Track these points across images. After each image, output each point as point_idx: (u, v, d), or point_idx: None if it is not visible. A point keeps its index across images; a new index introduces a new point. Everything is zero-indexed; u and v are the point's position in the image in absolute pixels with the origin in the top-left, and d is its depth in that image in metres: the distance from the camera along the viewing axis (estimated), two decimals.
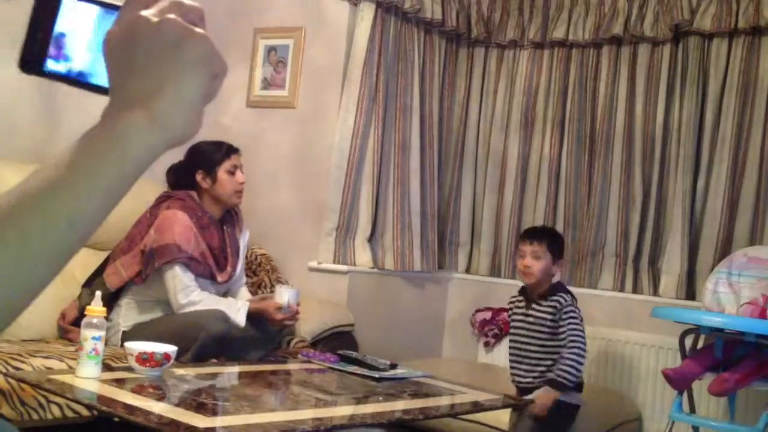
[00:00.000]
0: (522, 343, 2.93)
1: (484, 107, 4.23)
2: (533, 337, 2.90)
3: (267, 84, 3.97)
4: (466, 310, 4.11)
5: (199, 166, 2.91)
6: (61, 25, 0.60)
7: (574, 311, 2.84)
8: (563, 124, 4.00)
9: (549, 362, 2.85)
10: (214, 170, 2.91)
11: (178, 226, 2.80)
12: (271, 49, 3.96)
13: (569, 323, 2.82)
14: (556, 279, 3.03)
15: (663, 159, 3.77)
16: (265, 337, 2.92)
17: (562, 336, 2.82)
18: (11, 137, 3.22)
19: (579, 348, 2.79)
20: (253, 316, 2.85)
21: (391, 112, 3.85)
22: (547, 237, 2.95)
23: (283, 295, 2.89)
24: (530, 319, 2.91)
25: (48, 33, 0.59)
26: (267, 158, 3.87)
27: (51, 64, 0.60)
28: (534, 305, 2.91)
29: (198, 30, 0.55)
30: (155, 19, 0.55)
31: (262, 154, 3.84)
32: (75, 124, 3.40)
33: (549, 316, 2.86)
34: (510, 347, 3.00)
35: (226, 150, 2.95)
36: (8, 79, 3.17)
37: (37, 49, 0.59)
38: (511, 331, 3.01)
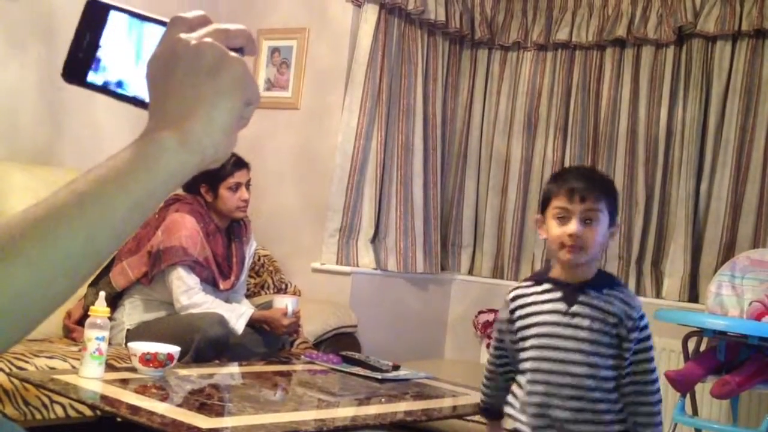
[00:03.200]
0: (556, 363, 1.73)
1: (488, 109, 4.24)
2: (577, 357, 1.72)
3: (270, 85, 3.98)
4: (469, 311, 4.11)
5: (203, 179, 2.89)
6: (107, 37, 0.61)
7: (649, 332, 1.76)
8: (566, 126, 4.00)
9: (605, 405, 1.71)
10: (216, 186, 2.89)
11: (185, 230, 2.81)
12: (274, 50, 3.97)
13: (648, 355, 1.74)
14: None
15: (666, 162, 3.77)
16: (269, 346, 2.92)
17: (633, 372, 1.73)
18: (15, 139, 3.22)
19: (659, 404, 1.75)
20: (256, 327, 2.85)
21: (394, 114, 3.85)
22: (605, 189, 1.80)
23: (285, 303, 2.90)
24: (573, 326, 1.73)
25: (93, 45, 0.60)
26: (270, 159, 3.87)
27: (91, 76, 0.61)
28: (583, 301, 1.74)
29: (234, 55, 0.56)
30: (194, 42, 0.56)
31: (265, 155, 3.85)
32: (79, 126, 3.40)
33: (610, 326, 1.72)
34: (524, 369, 1.77)
35: (232, 166, 2.89)
36: (11, 81, 3.18)
37: (81, 59, 0.60)
38: (529, 342, 1.78)
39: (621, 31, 3.83)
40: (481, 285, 4.13)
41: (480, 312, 4.05)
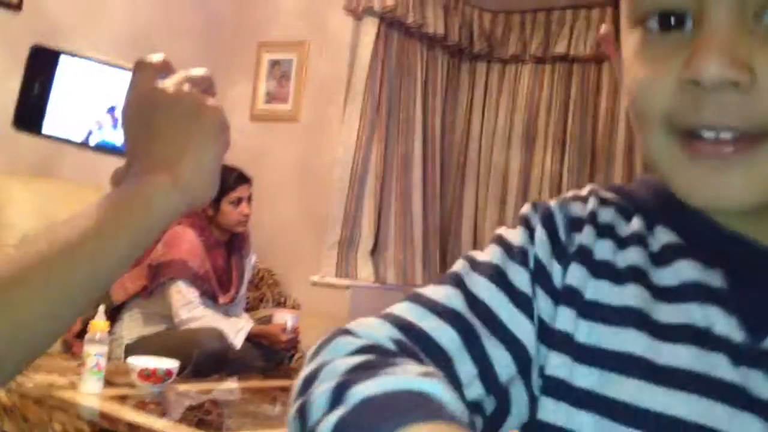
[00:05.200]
0: None
1: (486, 122, 4.25)
2: None
3: (271, 98, 3.99)
4: None
5: None
6: (59, 84, 0.59)
7: None
8: (564, 139, 4.01)
9: None
10: (218, 200, 2.90)
11: (186, 243, 2.82)
12: (274, 63, 3.99)
13: None
14: None
15: None
16: (268, 360, 2.93)
17: None
18: (15, 151, 3.24)
19: None
20: (255, 341, 2.86)
21: (393, 126, 3.87)
22: None
23: (284, 318, 2.91)
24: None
25: (45, 92, 0.59)
26: (270, 172, 3.89)
27: (47, 125, 0.59)
28: None
29: (212, 102, 0.60)
30: (172, 91, 0.59)
31: (265, 167, 3.86)
32: None
33: None
34: None
35: (234, 180, 2.90)
36: (12, 93, 3.20)
37: (32, 107, 0.58)
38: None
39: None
40: None
41: None
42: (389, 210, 3.85)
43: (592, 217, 0.61)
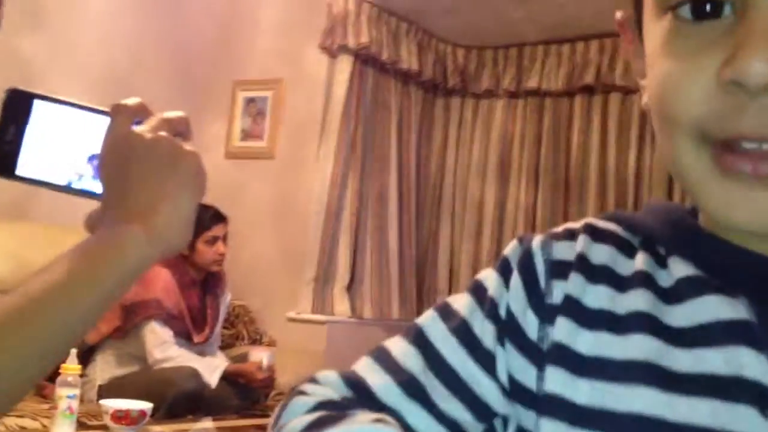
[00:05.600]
0: None
1: (461, 156, 4.29)
2: None
3: (246, 135, 4.00)
4: None
5: None
6: (34, 128, 0.59)
7: None
8: (538, 172, 4.06)
9: None
10: (193, 239, 2.88)
11: (160, 282, 2.80)
12: (250, 101, 4.01)
13: None
14: None
15: (636, 203, 3.83)
16: (244, 398, 2.90)
17: None
18: None
19: None
20: (231, 379, 2.83)
21: (369, 162, 3.89)
22: None
23: (260, 356, 2.89)
24: None
25: (19, 136, 0.59)
26: (246, 209, 3.88)
27: (21, 168, 0.59)
28: None
29: (188, 148, 0.60)
30: (149, 137, 0.58)
31: (241, 204, 3.86)
32: None
33: None
34: None
35: (209, 219, 2.89)
36: None
37: (7, 152, 0.58)
38: None
39: (589, 79, 3.92)
40: None
41: None
42: (365, 245, 3.86)
43: (581, 260, 0.52)
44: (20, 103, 0.59)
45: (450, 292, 4.24)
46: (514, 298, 0.53)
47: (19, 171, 0.59)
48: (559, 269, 0.52)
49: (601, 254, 0.53)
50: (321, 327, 3.65)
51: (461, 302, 0.56)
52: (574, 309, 0.51)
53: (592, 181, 3.91)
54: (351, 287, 3.81)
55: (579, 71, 3.96)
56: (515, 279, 0.54)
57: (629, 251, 0.53)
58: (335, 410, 0.50)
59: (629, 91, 3.86)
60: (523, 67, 4.15)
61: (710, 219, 0.48)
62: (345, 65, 3.77)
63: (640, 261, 0.52)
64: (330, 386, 0.55)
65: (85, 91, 3.44)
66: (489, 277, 0.56)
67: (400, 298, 3.97)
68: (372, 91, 3.90)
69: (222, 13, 4.10)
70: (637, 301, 0.50)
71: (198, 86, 4.03)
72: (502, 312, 0.53)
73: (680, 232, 0.51)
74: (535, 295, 0.52)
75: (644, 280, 0.51)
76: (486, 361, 0.53)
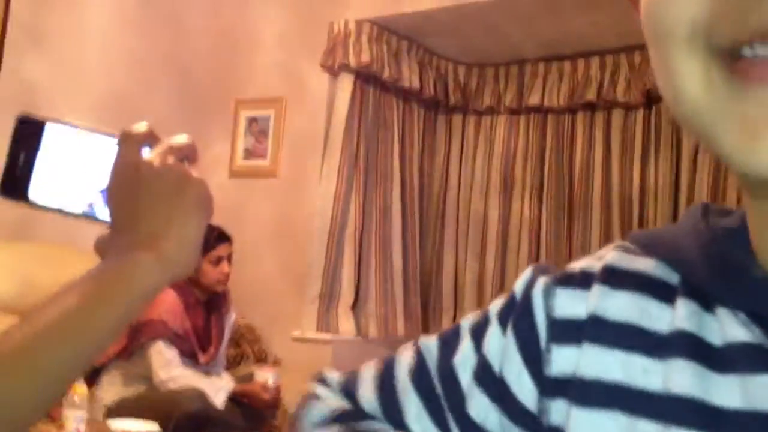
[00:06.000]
0: None
1: (464, 173, 4.30)
2: None
3: (249, 154, 4.02)
4: None
5: None
6: (45, 153, 0.60)
7: None
8: (542, 188, 4.06)
9: None
10: None
11: (166, 303, 2.80)
12: (252, 120, 4.02)
13: None
14: None
15: (641, 219, 3.83)
16: (250, 419, 2.89)
17: None
18: None
19: None
20: (237, 400, 2.83)
21: (372, 179, 3.89)
22: None
23: (266, 376, 2.88)
24: None
25: (31, 161, 0.60)
26: (249, 228, 3.88)
27: (33, 192, 0.60)
28: None
29: (195, 175, 0.61)
30: (157, 165, 0.60)
31: (245, 223, 3.86)
32: None
33: None
34: None
35: (214, 240, 2.89)
36: None
37: (19, 176, 0.60)
38: None
39: (591, 95, 3.93)
40: None
41: None
42: (369, 263, 3.85)
43: (595, 323, 0.40)
44: (31, 129, 0.60)
45: (455, 309, 4.23)
46: (507, 362, 0.44)
47: (32, 196, 0.60)
48: (563, 331, 0.42)
49: (625, 307, 0.40)
50: (326, 346, 3.64)
51: (462, 345, 0.49)
52: (584, 389, 0.39)
53: (596, 198, 3.91)
54: (355, 305, 3.80)
55: (581, 88, 3.97)
56: (510, 338, 0.44)
57: (666, 295, 0.40)
58: (350, 422, 0.51)
59: (631, 107, 3.87)
60: (524, 84, 4.16)
61: (742, 183, 0.35)
62: (346, 84, 3.78)
63: (682, 311, 0.39)
64: (333, 390, 0.57)
65: (89, 112, 3.46)
66: (491, 322, 0.47)
67: (405, 315, 3.96)
68: (374, 109, 3.91)
69: (223, 32, 4.12)
70: (680, 378, 0.37)
71: (200, 105, 4.05)
72: (495, 377, 0.45)
73: (729, 272, 0.38)
74: (532, 360, 0.43)
75: (688, 344, 0.38)
76: (471, 423, 0.46)
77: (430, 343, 0.52)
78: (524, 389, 0.42)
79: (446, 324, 4.20)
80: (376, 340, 3.83)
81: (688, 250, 0.40)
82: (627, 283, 0.41)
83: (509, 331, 0.45)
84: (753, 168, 0.32)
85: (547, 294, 0.43)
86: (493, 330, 0.46)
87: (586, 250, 3.92)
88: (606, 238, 3.85)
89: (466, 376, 0.47)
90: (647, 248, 0.43)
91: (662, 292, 0.40)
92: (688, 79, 0.34)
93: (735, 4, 0.32)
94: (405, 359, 0.54)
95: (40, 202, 0.60)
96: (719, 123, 0.33)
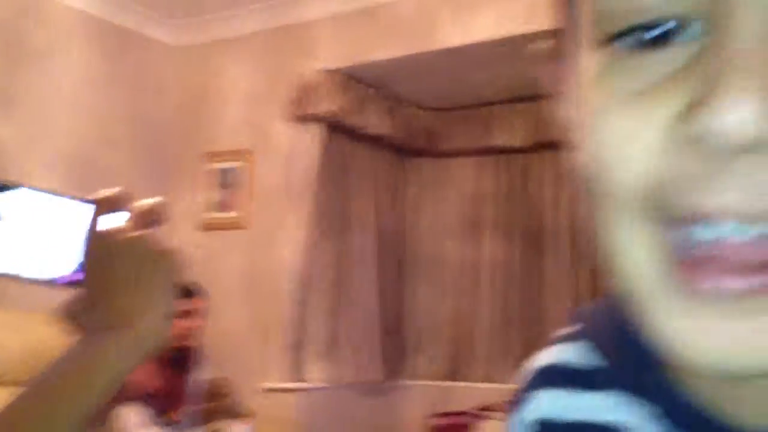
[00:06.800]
0: None
1: (433, 215, 4.32)
2: None
3: (217, 206, 4.00)
4: (426, 415, 4.05)
5: None
6: (7, 218, 0.60)
7: None
8: (511, 227, 4.09)
9: None
10: None
11: None
12: (220, 172, 4.01)
13: None
14: None
15: None
16: None
17: None
18: None
19: None
20: None
21: (341, 226, 3.90)
22: None
23: (239, 430, 2.84)
24: None
25: None
26: (220, 280, 3.85)
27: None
28: None
29: (165, 248, 0.62)
30: (127, 240, 0.61)
31: (214, 276, 3.82)
32: None
33: None
34: None
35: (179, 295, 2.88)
36: None
37: None
38: None
39: (556, 134, 3.98)
40: (435, 388, 4.09)
41: (434, 415, 3.99)
42: (339, 309, 3.83)
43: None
44: None
45: (427, 351, 4.21)
46: None
47: None
48: None
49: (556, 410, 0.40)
50: (298, 395, 3.60)
51: None
52: None
53: (566, 234, 3.94)
54: (327, 353, 3.77)
55: (544, 127, 4.03)
56: None
57: (589, 386, 0.38)
58: None
59: None
60: (490, 126, 4.22)
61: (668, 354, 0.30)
62: (314, 132, 3.80)
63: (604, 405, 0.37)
64: None
65: (56, 173, 3.42)
66: None
67: (376, 360, 3.93)
68: (341, 156, 3.93)
69: (190, 86, 4.13)
70: None
71: (168, 159, 4.03)
72: None
73: (644, 377, 0.36)
74: None
75: None
76: None
77: None
78: None
79: (420, 366, 4.17)
80: (348, 387, 3.79)
81: (607, 342, 0.39)
82: (557, 381, 0.41)
83: None
84: (689, 365, 0.29)
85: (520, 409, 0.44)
86: None
87: (557, 287, 3.94)
88: (577, 274, 3.88)
89: None
90: (586, 337, 0.40)
91: (586, 385, 0.39)
92: (630, 248, 0.30)
93: (692, 175, 0.27)
94: None
95: (2, 271, 0.60)
96: (656, 310, 0.29)
